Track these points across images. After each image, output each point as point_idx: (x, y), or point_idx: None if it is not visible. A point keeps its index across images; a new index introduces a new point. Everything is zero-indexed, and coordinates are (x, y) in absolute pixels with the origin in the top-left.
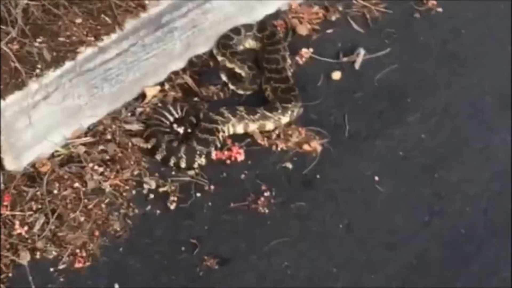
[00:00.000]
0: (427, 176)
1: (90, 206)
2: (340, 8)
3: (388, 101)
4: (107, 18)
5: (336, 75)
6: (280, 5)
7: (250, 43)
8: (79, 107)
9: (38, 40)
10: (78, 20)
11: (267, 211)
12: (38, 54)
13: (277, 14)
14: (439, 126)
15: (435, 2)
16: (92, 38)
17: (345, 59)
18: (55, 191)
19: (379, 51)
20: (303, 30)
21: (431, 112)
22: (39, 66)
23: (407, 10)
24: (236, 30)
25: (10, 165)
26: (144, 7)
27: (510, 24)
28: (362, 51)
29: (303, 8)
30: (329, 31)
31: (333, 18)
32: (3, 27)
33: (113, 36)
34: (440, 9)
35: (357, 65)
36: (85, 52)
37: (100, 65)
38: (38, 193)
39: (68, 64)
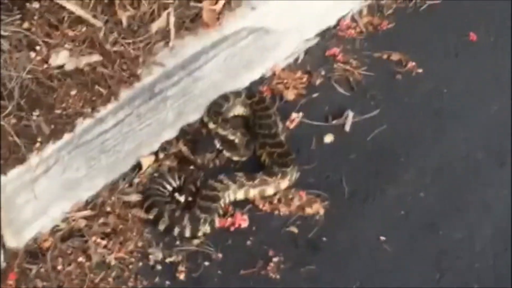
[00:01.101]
0: (431, 234)
1: (96, 281)
2: (323, 73)
3: (382, 161)
4: (101, 89)
5: (329, 138)
6: (263, 71)
7: (239, 110)
8: (78, 180)
9: (35, 113)
10: (73, 92)
11: (278, 276)
12: (36, 127)
13: (261, 81)
14: (434, 183)
15: (414, 64)
16: (89, 110)
17: (334, 122)
18: (59, 267)
19: (367, 113)
20: (290, 95)
21: (425, 170)
22: (39, 139)
23: (388, 72)
24: (225, 97)
25: (11, 241)
26: (137, 77)
27: (490, 81)
28: (350, 114)
29: (286, 73)
30: (315, 95)
31: (317, 82)
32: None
33: (110, 106)
34: (420, 70)
35: (347, 128)
36: (83, 124)
37: (98, 137)
38: (42, 269)
39: (66, 137)
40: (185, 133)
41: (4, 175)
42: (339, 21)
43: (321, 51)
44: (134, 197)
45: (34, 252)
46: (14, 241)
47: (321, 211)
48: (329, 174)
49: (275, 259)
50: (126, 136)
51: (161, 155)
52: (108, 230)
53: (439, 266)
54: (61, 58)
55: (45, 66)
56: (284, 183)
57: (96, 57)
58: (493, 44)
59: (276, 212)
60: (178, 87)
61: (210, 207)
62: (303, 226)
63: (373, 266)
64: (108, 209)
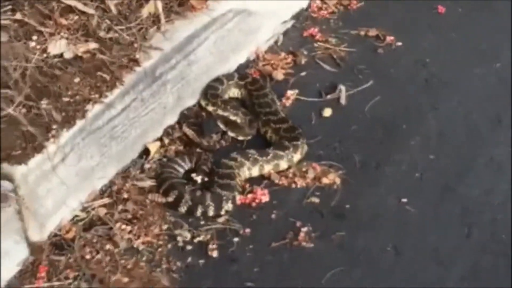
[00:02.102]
0: (449, 194)
1: (129, 266)
2: (305, 52)
3: (385, 130)
4: (104, 75)
5: (327, 112)
6: (248, 54)
7: (234, 92)
8: (92, 169)
9: (43, 102)
10: (76, 79)
11: (310, 245)
12: (47, 115)
13: (247, 64)
14: (441, 146)
15: (392, 38)
16: (96, 96)
17: (329, 96)
18: (88, 256)
19: (358, 87)
20: (279, 75)
21: (428, 135)
22: (53, 127)
23: (369, 47)
24: (219, 80)
25: (34, 235)
26: (137, 61)
27: (467, 48)
28: (342, 88)
29: (270, 55)
30: (303, 73)
31: (302, 61)
32: (6, 91)
33: (116, 91)
34: (399, 43)
35: (342, 101)
36: (93, 109)
37: (108, 123)
38: (71, 260)
39: (79, 123)
40: (186, 117)
41: (25, 164)
42: (309, 3)
43: (298, 32)
44: (148, 183)
45: (59, 244)
46: (37, 235)
47: (338, 181)
48: (335, 145)
49: (303, 229)
50: (133, 122)
51: (166, 140)
52: (129, 216)
53: (465, 222)
54: (59, 46)
55: (45, 55)
56: (297, 156)
57: (93, 45)
58: (461, 15)
59: (293, 185)
60: (176, 71)
61: (230, 184)
62: (323, 196)
63: (401, 228)
64: (125, 195)
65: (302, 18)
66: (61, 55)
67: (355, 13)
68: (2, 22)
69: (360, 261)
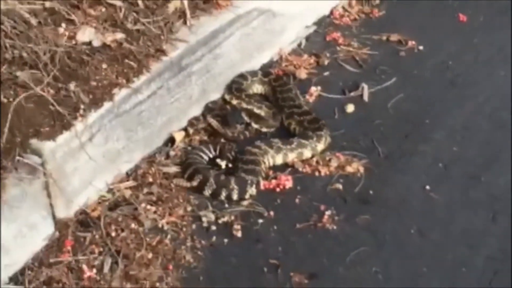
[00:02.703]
0: (474, 182)
1: (153, 243)
2: (328, 54)
3: (408, 125)
4: (131, 63)
5: (350, 108)
6: (272, 55)
7: (257, 88)
8: (118, 152)
9: (71, 85)
10: (104, 66)
11: (334, 227)
12: (76, 97)
13: (270, 64)
14: (465, 140)
15: (414, 42)
16: (124, 81)
17: (352, 93)
18: (113, 234)
19: (382, 84)
20: (302, 74)
21: (453, 129)
22: (82, 106)
23: (391, 50)
24: (243, 76)
25: (60, 212)
26: (163, 52)
27: (490, 53)
28: (365, 86)
29: (293, 57)
30: (326, 73)
31: (326, 62)
32: (35, 71)
33: (142, 78)
34: (421, 47)
35: (365, 98)
36: (120, 93)
37: (134, 107)
38: (97, 236)
39: (106, 105)
40: (210, 110)
41: (53, 140)
42: (331, 10)
43: (321, 37)
44: (173, 169)
45: (85, 221)
46: (63, 212)
47: (361, 169)
48: (359, 138)
49: (327, 213)
50: (159, 109)
51: (190, 130)
52: (154, 198)
53: (491, 208)
54: (88, 34)
55: (73, 42)
56: (320, 146)
57: (120, 35)
58: (483, 22)
59: (317, 173)
60: (201, 63)
61: (255, 169)
62: (347, 183)
63: (426, 213)
64: (150, 179)
65: (324, 24)
66: (89, 43)
67: (377, 20)
68: (33, 7)
69: (385, 242)
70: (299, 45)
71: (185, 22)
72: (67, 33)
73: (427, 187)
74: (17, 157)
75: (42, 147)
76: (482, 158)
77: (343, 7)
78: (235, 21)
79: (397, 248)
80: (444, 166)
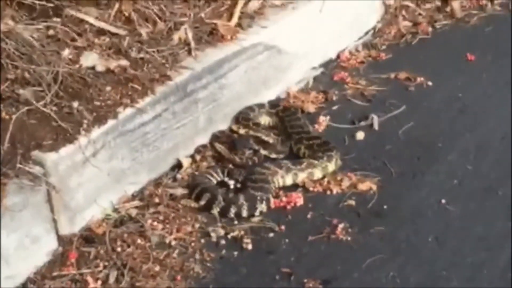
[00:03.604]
0: (490, 194)
1: (161, 257)
2: (336, 92)
3: (420, 148)
4: (136, 86)
5: (360, 135)
6: (278, 93)
7: (265, 119)
8: (123, 171)
9: (75, 103)
10: (108, 88)
11: (348, 238)
12: (79, 114)
13: (277, 101)
14: (479, 160)
15: (423, 79)
16: (128, 101)
17: (362, 123)
18: (119, 249)
19: (392, 113)
20: (310, 108)
21: (466, 151)
22: (85, 121)
23: (399, 86)
24: (250, 108)
25: (64, 227)
26: (168, 77)
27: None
28: (375, 116)
29: (301, 94)
30: (334, 107)
31: (334, 98)
32: (37, 89)
33: (147, 99)
34: (430, 83)
35: (375, 126)
36: (124, 112)
37: (139, 127)
38: (102, 251)
39: (110, 123)
40: (217, 138)
41: (56, 152)
42: (338, 54)
43: (328, 77)
44: (180, 191)
45: (89, 237)
46: (67, 227)
47: (374, 187)
48: (370, 161)
49: (341, 226)
50: (164, 133)
51: (197, 157)
52: (161, 218)
53: (509, 217)
54: (91, 59)
55: (77, 66)
56: (331, 166)
57: (124, 61)
58: (491, 62)
59: (329, 191)
60: (207, 91)
61: (264, 186)
62: (360, 200)
63: (442, 223)
64: (157, 200)
65: (331, 66)
66: (92, 68)
67: (384, 62)
68: (35, 32)
69: (401, 250)
70: (306, 85)
71: (189, 53)
72: (70, 57)
73: (443, 200)
74: (19, 165)
75: (44, 158)
76: (497, 174)
77: (350, 52)
78: (241, 53)
79: (414, 255)
80: (459, 182)
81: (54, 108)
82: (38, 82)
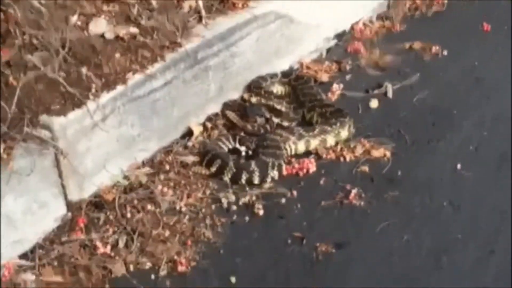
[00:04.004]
0: (507, 162)
1: (171, 223)
2: (350, 62)
3: (435, 116)
4: (145, 52)
5: (374, 104)
6: (291, 63)
7: (277, 88)
8: (133, 138)
9: (83, 69)
10: (117, 55)
11: (362, 203)
12: (87, 80)
13: (290, 71)
14: (496, 127)
15: (437, 48)
16: (138, 67)
17: (375, 91)
18: (128, 215)
19: (406, 81)
20: (323, 77)
21: (482, 119)
22: (93, 86)
23: (414, 56)
24: (262, 78)
25: (73, 193)
26: (179, 44)
27: None
28: (389, 84)
29: (314, 64)
30: (348, 76)
31: (347, 68)
32: (45, 54)
33: (157, 65)
34: (445, 53)
35: (390, 94)
36: (134, 78)
37: (149, 94)
38: (111, 217)
39: (119, 88)
40: (228, 107)
41: (64, 116)
42: (352, 26)
43: (342, 49)
44: (191, 158)
45: (99, 203)
46: (76, 193)
47: (388, 154)
48: (384, 128)
49: (354, 191)
50: (174, 100)
51: (209, 125)
52: (172, 184)
53: None
54: (100, 26)
55: (86, 33)
56: (344, 132)
57: (133, 29)
58: (507, 32)
59: (342, 158)
60: (218, 59)
61: (276, 153)
62: (374, 166)
63: (458, 189)
64: (167, 167)
65: (345, 38)
66: (101, 35)
67: (398, 34)
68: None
69: (416, 214)
70: (320, 55)
71: (200, 20)
72: (79, 23)
73: (458, 166)
74: (26, 129)
75: (52, 122)
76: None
77: (364, 23)
78: (252, 21)
79: (429, 220)
80: (475, 148)
81: (62, 74)
82: (46, 48)
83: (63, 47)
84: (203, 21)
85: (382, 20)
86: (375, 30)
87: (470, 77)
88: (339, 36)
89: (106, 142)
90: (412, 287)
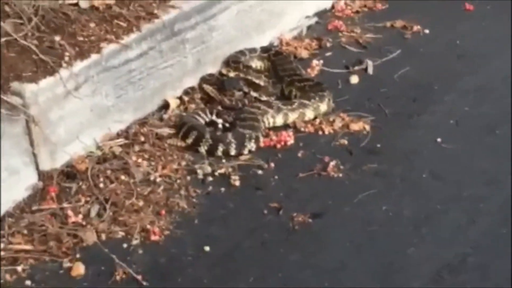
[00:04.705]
0: (488, 134)
1: (145, 193)
2: (330, 39)
3: (417, 91)
4: (121, 23)
5: (354, 79)
6: (272, 38)
7: (256, 63)
8: (107, 108)
9: (57, 37)
10: (92, 25)
11: (340, 175)
12: (61, 49)
13: (270, 47)
14: (479, 100)
15: (420, 27)
16: (113, 37)
17: (356, 68)
18: (101, 185)
19: (387, 57)
20: (303, 54)
21: (466, 92)
22: (67, 54)
23: (396, 34)
24: (241, 52)
25: (44, 162)
26: (155, 15)
27: (500, 36)
28: (369, 61)
29: (294, 41)
30: (328, 54)
31: (328, 45)
32: (17, 20)
33: (133, 35)
34: (427, 31)
35: (370, 71)
36: (108, 48)
37: (124, 64)
38: (83, 187)
39: (93, 57)
40: (206, 81)
41: (35, 83)
42: (333, 4)
43: (323, 27)
44: (166, 130)
45: (71, 173)
46: (47, 162)
47: (367, 127)
48: (364, 103)
49: (332, 163)
50: (151, 72)
51: (186, 99)
52: (146, 156)
53: (509, 155)
54: None
55: (60, 2)
56: (323, 106)
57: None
58: (490, 11)
59: (320, 132)
60: (195, 32)
61: (253, 125)
62: (353, 140)
63: (437, 161)
64: (142, 139)
65: (326, 16)
66: (76, 4)
67: (380, 12)
68: None
69: (395, 185)
70: (300, 32)
71: None
72: None
73: (439, 139)
74: None
75: (23, 88)
76: (496, 114)
77: (345, 2)
78: None
79: (409, 189)
80: (456, 122)
81: (35, 41)
82: (19, 16)
83: (36, 14)
84: None
85: None
86: (356, 8)
87: (452, 53)
88: (320, 14)
89: (79, 111)
90: (391, 257)
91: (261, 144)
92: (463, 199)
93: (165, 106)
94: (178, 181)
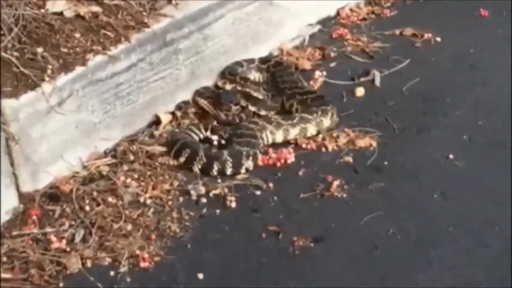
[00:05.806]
0: (501, 150)
1: (134, 216)
2: (335, 49)
3: (426, 104)
4: (108, 33)
5: (360, 92)
6: (271, 49)
7: (254, 76)
8: (94, 125)
9: (39, 49)
10: (77, 35)
11: (344, 195)
12: (43, 61)
13: (269, 57)
14: (491, 113)
15: (430, 35)
16: (99, 48)
17: (362, 79)
18: (87, 208)
19: (395, 68)
20: (305, 65)
21: (477, 105)
22: (50, 67)
23: (405, 43)
24: (238, 63)
25: (25, 184)
26: (145, 24)
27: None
28: (376, 71)
29: (295, 51)
30: (332, 64)
31: (332, 55)
32: None
33: (121, 46)
34: (438, 39)
35: (377, 82)
36: (94, 59)
37: (111, 77)
38: (68, 210)
39: (78, 70)
40: (200, 94)
41: (15, 99)
42: (338, 12)
43: (326, 35)
44: (157, 148)
45: (55, 195)
46: (29, 184)
47: (374, 144)
48: (371, 117)
49: (336, 182)
50: (141, 85)
51: (178, 114)
52: (136, 176)
53: None
54: (59, 5)
55: (43, 11)
56: (326, 121)
57: (96, 8)
58: (506, 18)
59: (324, 149)
60: (189, 42)
61: (251, 142)
62: (358, 157)
63: (448, 179)
64: (132, 158)
65: (329, 24)
66: (60, 13)
67: (388, 19)
68: None
69: (404, 205)
70: (303, 42)
71: (169, 0)
72: (35, 0)
73: (451, 156)
74: None
75: (3, 104)
76: (507, 129)
77: (351, 9)
78: (226, 2)
79: (417, 211)
80: (469, 137)
81: (16, 53)
82: None
83: (17, 24)
84: (173, 1)
85: (371, 5)
86: (362, 15)
87: (464, 64)
88: (324, 22)
89: (63, 128)
90: (398, 284)
91: (260, 163)
92: (473, 222)
93: (156, 122)
94: (170, 202)
